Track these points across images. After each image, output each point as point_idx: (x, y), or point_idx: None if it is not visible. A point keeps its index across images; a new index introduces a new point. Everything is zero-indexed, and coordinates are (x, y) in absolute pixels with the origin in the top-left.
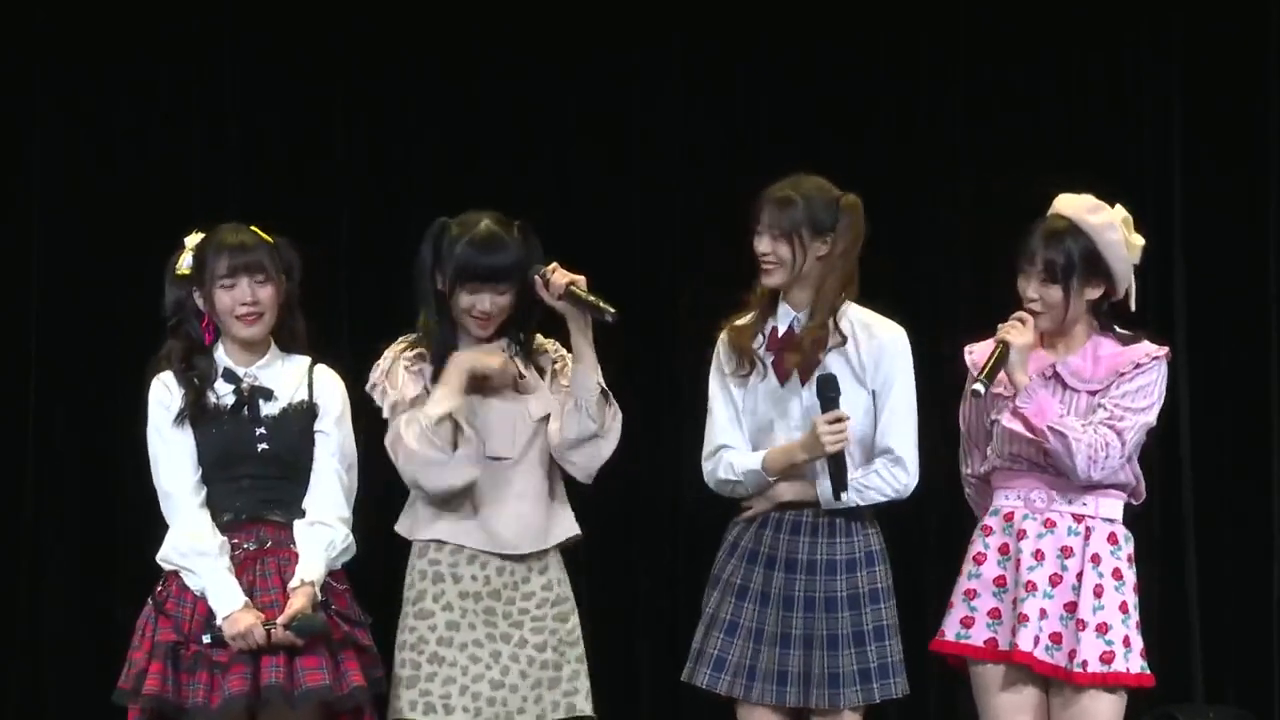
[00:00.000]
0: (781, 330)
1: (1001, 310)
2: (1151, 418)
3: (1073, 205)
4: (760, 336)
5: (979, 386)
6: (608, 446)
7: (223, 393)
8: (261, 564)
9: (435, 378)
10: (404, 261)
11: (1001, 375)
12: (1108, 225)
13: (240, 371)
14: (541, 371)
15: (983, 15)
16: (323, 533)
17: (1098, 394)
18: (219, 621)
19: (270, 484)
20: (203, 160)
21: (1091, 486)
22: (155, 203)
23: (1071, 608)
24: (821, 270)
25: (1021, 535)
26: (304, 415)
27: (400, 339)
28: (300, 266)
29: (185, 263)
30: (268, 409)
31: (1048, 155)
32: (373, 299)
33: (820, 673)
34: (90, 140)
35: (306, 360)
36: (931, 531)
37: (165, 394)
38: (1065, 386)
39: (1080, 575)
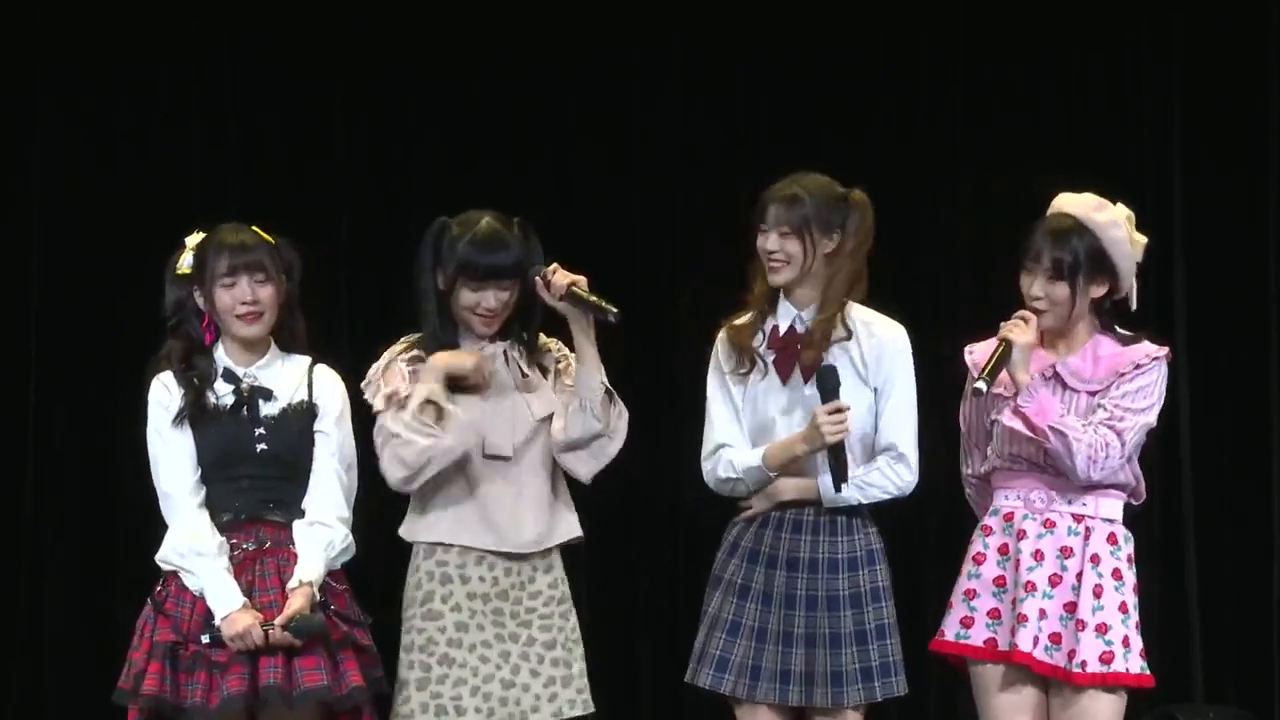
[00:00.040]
0: (783, 328)
1: (1002, 310)
2: (1151, 418)
3: (1078, 203)
4: (761, 335)
5: (980, 385)
6: (614, 446)
7: (222, 393)
8: (261, 564)
9: None
10: (404, 261)
11: (1002, 375)
12: (1113, 223)
13: (240, 371)
14: (544, 371)
15: (983, 15)
16: (322, 533)
17: (1098, 394)
18: (217, 622)
19: (270, 484)
20: (203, 160)
21: (1091, 487)
22: (155, 203)
23: (1071, 608)
24: (828, 268)
25: (1021, 535)
26: (304, 415)
27: (400, 340)
28: (300, 266)
29: (185, 262)
30: (267, 409)
31: (1048, 155)
32: (373, 299)
33: (823, 671)
34: (90, 140)
35: (306, 360)
36: (931, 531)
37: (165, 394)
38: (1065, 387)
39: (1080, 575)
